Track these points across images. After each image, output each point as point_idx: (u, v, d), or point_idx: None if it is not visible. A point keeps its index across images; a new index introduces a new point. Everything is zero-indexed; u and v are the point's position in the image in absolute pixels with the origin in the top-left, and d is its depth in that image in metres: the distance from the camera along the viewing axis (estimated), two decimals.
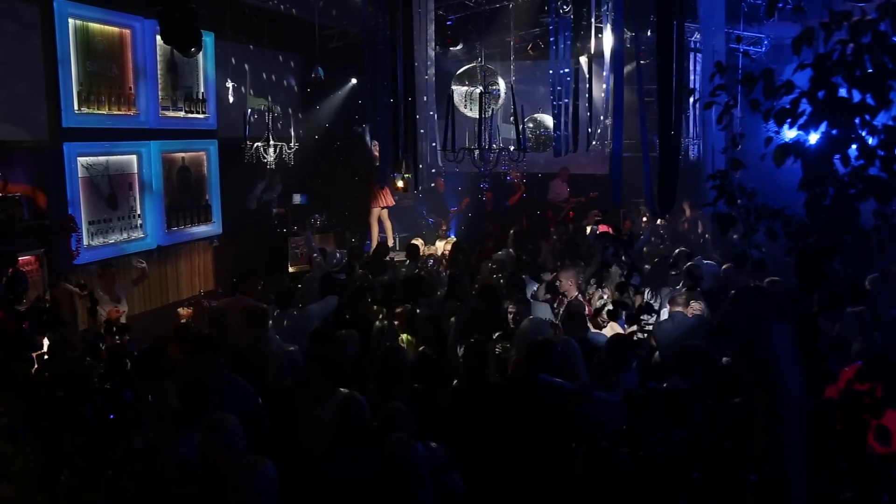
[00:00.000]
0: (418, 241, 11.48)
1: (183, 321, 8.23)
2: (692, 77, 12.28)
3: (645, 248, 9.85)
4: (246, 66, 12.41)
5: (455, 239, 13.05)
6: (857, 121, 2.37)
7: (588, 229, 11.50)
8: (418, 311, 6.66)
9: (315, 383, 4.92)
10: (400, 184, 12.63)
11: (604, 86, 13.18)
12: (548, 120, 14.02)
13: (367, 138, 13.77)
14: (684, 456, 2.78)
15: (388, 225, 13.57)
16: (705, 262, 8.36)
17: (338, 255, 9.67)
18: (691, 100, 10.28)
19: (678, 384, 4.00)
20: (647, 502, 3.20)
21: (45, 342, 5.29)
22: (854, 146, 2.39)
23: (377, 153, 12.89)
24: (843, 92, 2.39)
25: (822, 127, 2.40)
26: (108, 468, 2.80)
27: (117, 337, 4.99)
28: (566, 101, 12.74)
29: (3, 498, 2.61)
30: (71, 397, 2.81)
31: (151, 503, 3.13)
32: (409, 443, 3.82)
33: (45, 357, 3.05)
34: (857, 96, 2.38)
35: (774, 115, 2.46)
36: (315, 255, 9.55)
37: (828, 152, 2.39)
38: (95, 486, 2.75)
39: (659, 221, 11.43)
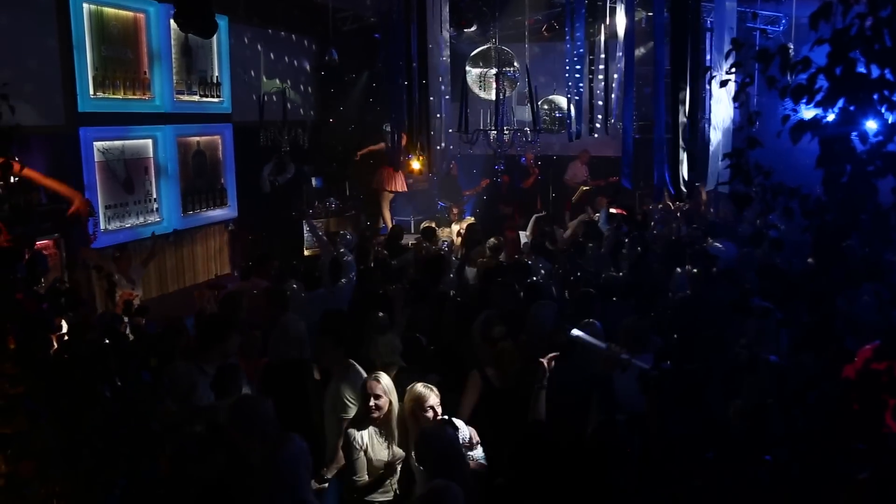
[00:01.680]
0: (432, 224, 11.47)
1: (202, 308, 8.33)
2: (707, 56, 12.15)
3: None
4: (260, 49, 12.40)
5: (472, 219, 13.02)
6: (875, 96, 2.33)
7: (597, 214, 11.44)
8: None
9: (325, 358, 5.00)
10: (416, 166, 12.60)
11: (619, 66, 13.08)
12: (563, 101, 13.93)
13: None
14: (699, 436, 2.78)
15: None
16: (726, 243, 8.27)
17: (348, 237, 9.69)
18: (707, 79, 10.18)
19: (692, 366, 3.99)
20: (662, 482, 3.21)
21: (64, 324, 5.36)
22: (873, 122, 2.36)
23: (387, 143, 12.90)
24: (861, 67, 2.35)
25: (840, 103, 2.36)
26: (125, 448, 2.84)
27: (135, 318, 5.05)
28: (580, 84, 12.65)
29: (24, 476, 2.65)
30: (89, 378, 2.85)
31: (169, 482, 3.17)
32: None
33: (65, 338, 3.08)
34: (875, 71, 2.34)
35: (791, 91, 2.43)
36: (323, 237, 9.59)
37: (845, 129, 2.36)
38: (114, 466, 2.79)
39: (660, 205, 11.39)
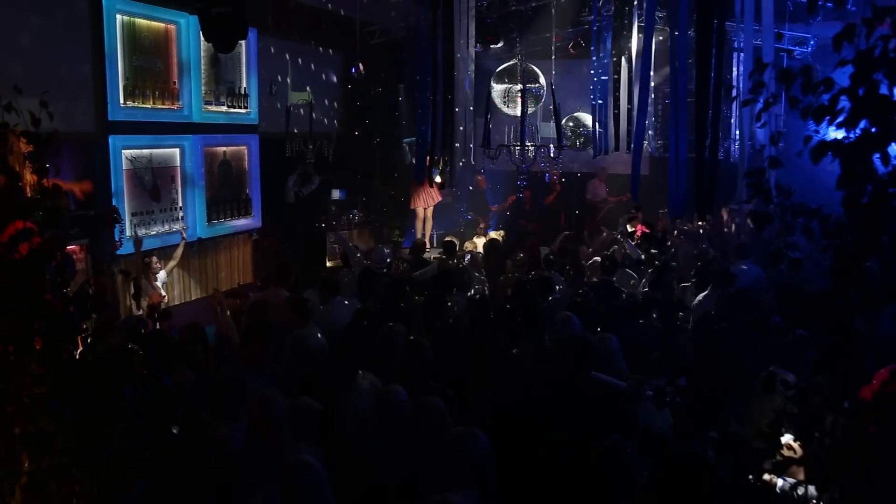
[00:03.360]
0: (453, 238, 11.48)
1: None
2: (734, 76, 12.10)
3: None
4: (288, 61, 12.55)
5: (494, 234, 13.03)
6: None
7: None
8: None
9: (337, 370, 5.03)
10: (438, 179, 12.65)
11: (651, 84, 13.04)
12: (588, 119, 13.92)
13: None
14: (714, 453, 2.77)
15: (428, 224, 13.56)
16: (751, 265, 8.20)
17: (386, 251, 9.74)
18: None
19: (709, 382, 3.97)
20: (677, 500, 3.20)
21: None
22: (895, 144, 2.36)
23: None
24: (884, 89, 2.36)
25: (862, 124, 2.37)
26: (146, 451, 2.87)
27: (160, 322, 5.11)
28: (603, 101, 12.64)
29: (46, 473, 2.69)
30: (113, 380, 2.89)
31: (188, 485, 3.20)
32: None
33: (89, 340, 3.13)
34: None
35: (813, 112, 2.44)
36: (358, 255, 9.57)
37: (867, 150, 2.36)
38: (134, 468, 2.82)
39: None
